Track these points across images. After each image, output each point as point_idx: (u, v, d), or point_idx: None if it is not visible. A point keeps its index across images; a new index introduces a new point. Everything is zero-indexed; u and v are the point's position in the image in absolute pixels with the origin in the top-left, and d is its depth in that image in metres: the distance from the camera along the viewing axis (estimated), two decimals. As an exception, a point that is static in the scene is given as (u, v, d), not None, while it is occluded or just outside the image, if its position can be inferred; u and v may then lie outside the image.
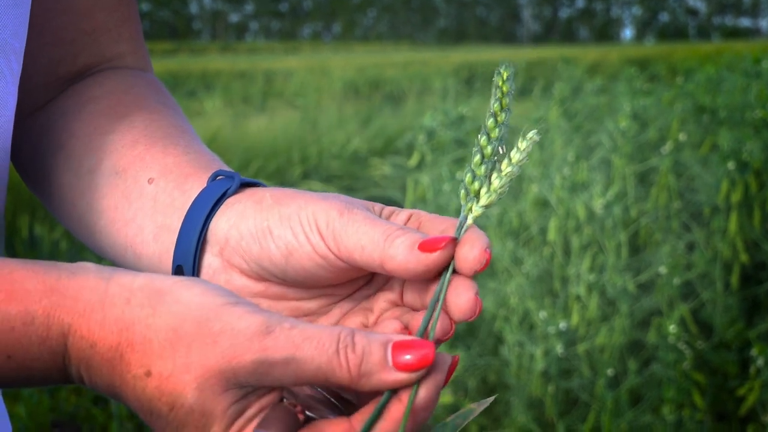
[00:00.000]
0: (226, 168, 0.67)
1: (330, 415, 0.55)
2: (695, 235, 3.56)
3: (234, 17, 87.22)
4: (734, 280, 3.39)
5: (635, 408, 2.84)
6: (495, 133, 0.57)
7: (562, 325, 2.82)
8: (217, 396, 0.50)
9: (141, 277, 0.54)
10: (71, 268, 0.54)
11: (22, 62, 0.68)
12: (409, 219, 0.60)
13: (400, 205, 2.33)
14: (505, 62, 0.58)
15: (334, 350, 0.50)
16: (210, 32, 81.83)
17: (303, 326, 0.51)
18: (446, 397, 2.77)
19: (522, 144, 0.57)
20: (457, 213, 0.61)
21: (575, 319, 3.07)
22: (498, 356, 3.09)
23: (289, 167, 6.74)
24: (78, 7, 0.75)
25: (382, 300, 0.61)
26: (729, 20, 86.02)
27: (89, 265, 0.55)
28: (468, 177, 0.57)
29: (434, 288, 0.58)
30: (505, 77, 0.58)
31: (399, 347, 0.51)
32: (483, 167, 0.57)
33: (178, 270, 0.63)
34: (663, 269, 3.18)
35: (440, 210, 3.44)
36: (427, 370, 0.51)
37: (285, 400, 0.52)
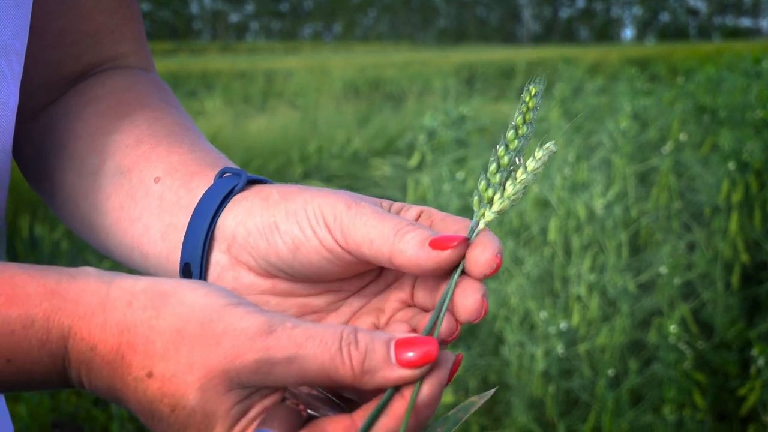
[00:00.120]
0: (232, 165, 0.66)
1: (332, 414, 0.55)
2: (696, 235, 3.56)
3: (234, 17, 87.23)
4: (735, 280, 3.39)
5: (636, 408, 2.84)
6: (514, 145, 0.58)
7: (563, 325, 2.82)
8: (219, 396, 0.50)
9: (143, 280, 0.54)
10: (72, 272, 0.54)
11: (23, 63, 0.68)
12: (419, 216, 0.60)
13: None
14: (536, 78, 0.59)
15: (336, 348, 0.50)
16: (210, 32, 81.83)
17: (305, 325, 0.51)
18: (447, 397, 2.77)
19: (538, 153, 0.57)
20: (458, 213, 0.61)
21: (576, 319, 3.07)
22: (499, 356, 3.09)
23: (289, 167, 6.74)
24: (79, 9, 0.75)
25: (394, 300, 0.61)
26: (729, 20, 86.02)
27: (90, 270, 0.55)
28: (482, 184, 0.58)
29: (444, 285, 0.58)
30: (533, 93, 0.58)
31: (402, 344, 0.51)
32: (498, 175, 0.58)
33: (185, 268, 0.63)
34: (664, 269, 3.18)
35: (441, 210, 3.43)
36: (430, 367, 0.51)
37: (287, 400, 0.52)
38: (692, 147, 4.19)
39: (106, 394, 0.53)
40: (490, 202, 0.58)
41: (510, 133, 0.58)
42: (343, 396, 0.57)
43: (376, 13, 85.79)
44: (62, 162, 0.73)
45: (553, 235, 3.36)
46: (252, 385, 0.51)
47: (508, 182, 0.57)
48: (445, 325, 0.56)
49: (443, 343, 0.57)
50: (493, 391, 0.59)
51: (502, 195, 0.57)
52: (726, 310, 3.31)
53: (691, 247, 3.65)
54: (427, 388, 0.51)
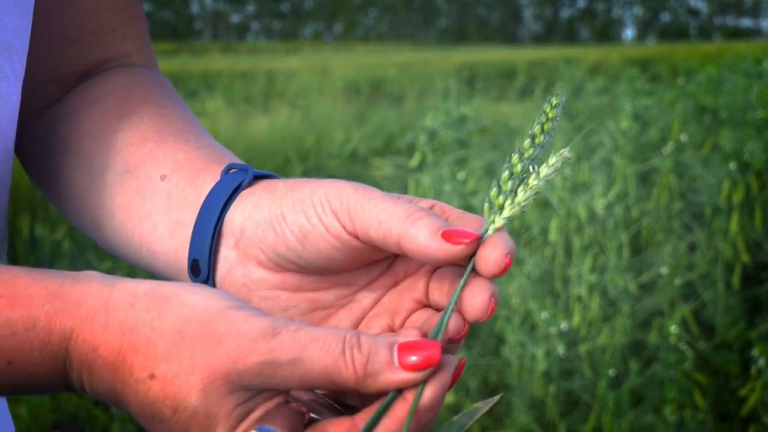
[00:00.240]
0: (239, 161, 0.66)
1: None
2: (697, 236, 3.56)
3: (235, 17, 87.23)
4: (735, 280, 3.39)
5: (637, 408, 2.84)
6: (528, 153, 0.58)
7: (564, 325, 2.82)
8: (222, 398, 0.50)
9: (145, 283, 0.54)
10: (75, 275, 0.54)
11: (25, 63, 0.68)
12: (431, 208, 0.60)
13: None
14: (560, 91, 0.59)
15: (340, 350, 0.50)
16: (211, 32, 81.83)
17: (309, 328, 0.51)
18: (448, 398, 2.77)
19: (552, 160, 0.57)
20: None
21: (576, 319, 3.07)
22: (499, 356, 3.09)
23: (288, 166, 6.74)
24: (81, 7, 0.75)
25: (408, 300, 0.61)
26: (730, 20, 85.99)
27: (93, 273, 0.55)
28: (494, 191, 0.58)
29: (455, 284, 0.58)
30: (554, 104, 0.59)
31: (405, 348, 0.51)
32: (510, 183, 0.58)
33: (194, 264, 0.63)
34: (664, 269, 3.18)
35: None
36: (432, 370, 0.51)
37: (290, 403, 0.52)
38: (693, 147, 4.19)
39: (107, 397, 0.53)
40: (501, 208, 0.57)
41: (526, 142, 0.58)
42: (346, 403, 0.57)
43: (377, 13, 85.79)
44: (67, 161, 0.73)
45: (553, 235, 3.36)
46: (255, 388, 0.50)
47: (520, 188, 0.57)
48: (452, 324, 0.56)
49: (452, 342, 0.57)
50: (497, 397, 0.59)
51: (513, 201, 0.57)
52: (727, 310, 3.31)
53: (692, 247, 3.65)
54: (429, 392, 0.51)
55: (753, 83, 5.04)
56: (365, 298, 0.62)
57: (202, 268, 0.62)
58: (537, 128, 0.58)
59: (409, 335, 0.56)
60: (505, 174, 0.58)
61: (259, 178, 0.64)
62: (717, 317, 3.29)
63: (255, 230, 0.60)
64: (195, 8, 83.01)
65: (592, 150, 4.19)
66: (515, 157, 0.58)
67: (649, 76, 7.70)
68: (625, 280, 3.04)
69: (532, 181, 0.57)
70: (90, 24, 0.75)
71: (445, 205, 0.60)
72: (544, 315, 2.87)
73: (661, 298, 3.16)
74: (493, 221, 0.57)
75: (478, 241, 0.55)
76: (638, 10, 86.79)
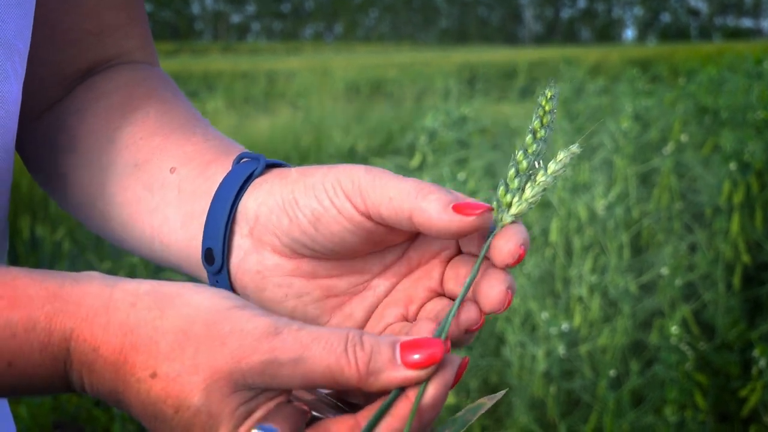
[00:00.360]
0: (247, 152, 0.67)
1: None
2: (697, 236, 3.56)
3: (236, 18, 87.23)
4: (736, 281, 3.39)
5: (637, 409, 2.84)
6: (532, 149, 0.58)
7: (564, 326, 2.82)
8: (225, 397, 0.50)
9: (146, 283, 0.54)
10: (75, 276, 0.54)
11: (26, 63, 0.68)
12: None
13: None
14: (551, 82, 0.59)
15: (342, 349, 0.50)
16: (212, 33, 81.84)
17: (311, 327, 0.51)
18: (448, 398, 2.77)
19: (560, 156, 0.57)
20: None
21: (577, 320, 3.07)
22: (500, 357, 3.09)
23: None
24: (82, 10, 0.74)
25: (422, 288, 0.61)
26: (731, 21, 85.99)
27: (94, 274, 0.55)
28: (501, 190, 0.58)
29: (467, 275, 0.58)
30: (549, 96, 0.59)
31: (407, 346, 0.51)
32: (517, 180, 0.58)
33: (207, 253, 0.63)
34: (665, 270, 3.18)
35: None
36: (435, 369, 0.51)
37: (293, 402, 0.52)
38: (693, 148, 4.19)
39: (108, 397, 0.53)
40: (509, 206, 0.57)
41: (528, 137, 0.58)
42: (349, 402, 0.57)
43: (377, 14, 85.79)
44: (73, 159, 0.73)
45: (554, 235, 3.36)
46: (257, 387, 0.50)
47: (528, 185, 0.57)
48: (469, 315, 0.57)
49: (468, 333, 0.57)
50: (502, 393, 0.59)
51: (521, 198, 0.57)
52: (727, 311, 3.30)
53: (693, 248, 3.65)
54: (431, 390, 0.51)
55: (753, 84, 5.04)
56: (379, 286, 0.62)
57: (216, 256, 0.62)
58: (536, 123, 0.58)
59: (425, 327, 0.57)
60: (512, 172, 0.58)
61: (270, 167, 0.64)
62: (718, 318, 3.29)
63: (269, 216, 0.60)
64: (195, 8, 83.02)
65: (592, 150, 4.19)
66: (520, 154, 0.58)
67: (649, 77, 7.69)
68: (625, 280, 3.04)
69: (540, 177, 0.57)
70: (91, 25, 0.75)
71: (456, 193, 0.60)
72: (545, 315, 2.87)
73: (662, 298, 3.16)
74: (501, 219, 0.57)
75: (490, 212, 0.55)
76: (639, 11, 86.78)
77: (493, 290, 0.56)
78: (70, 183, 0.73)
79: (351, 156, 7.17)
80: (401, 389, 0.51)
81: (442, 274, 0.61)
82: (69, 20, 0.74)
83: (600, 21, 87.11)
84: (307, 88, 12.28)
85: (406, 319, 0.61)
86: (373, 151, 7.27)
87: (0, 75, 0.64)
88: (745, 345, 3.23)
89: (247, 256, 0.62)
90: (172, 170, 0.67)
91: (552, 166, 0.57)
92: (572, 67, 7.39)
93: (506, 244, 0.56)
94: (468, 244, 0.60)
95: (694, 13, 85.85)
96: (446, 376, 0.51)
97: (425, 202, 0.55)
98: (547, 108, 0.59)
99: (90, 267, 3.76)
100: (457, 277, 0.60)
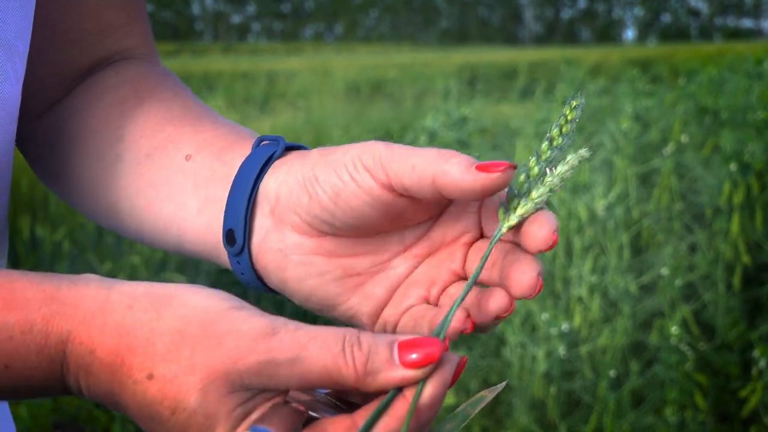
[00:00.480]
0: (266, 135, 0.67)
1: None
2: (697, 237, 3.56)
3: (236, 18, 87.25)
4: (736, 281, 3.39)
5: (637, 409, 2.84)
6: (546, 155, 0.58)
7: (565, 326, 2.82)
8: (221, 398, 0.50)
9: (143, 285, 0.54)
10: (72, 278, 0.54)
11: (26, 64, 0.68)
12: None
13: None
14: (578, 94, 0.59)
15: (339, 349, 0.50)
16: (212, 33, 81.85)
17: (308, 327, 0.51)
18: (449, 399, 2.77)
19: (569, 158, 0.57)
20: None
21: (577, 320, 3.07)
22: (500, 357, 3.09)
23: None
24: (82, 10, 0.74)
25: (445, 271, 0.61)
26: (731, 21, 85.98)
27: (91, 276, 0.55)
28: (509, 195, 0.58)
29: (500, 261, 0.58)
30: (573, 106, 0.58)
31: (405, 346, 0.51)
32: (526, 185, 0.57)
33: (228, 234, 0.63)
34: (665, 270, 3.18)
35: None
36: (433, 368, 0.51)
37: (290, 403, 0.52)
38: (694, 148, 4.19)
39: (105, 399, 0.53)
40: (515, 208, 0.57)
41: (544, 144, 0.58)
42: (348, 401, 0.56)
43: (377, 14, 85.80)
44: (81, 154, 0.72)
45: (554, 236, 3.35)
46: (254, 388, 0.50)
47: (534, 188, 0.57)
48: (499, 302, 0.57)
49: (498, 320, 0.57)
50: (502, 385, 0.58)
51: (527, 199, 0.57)
52: (727, 311, 3.30)
53: (693, 248, 3.65)
54: (429, 389, 0.51)
55: (754, 84, 5.04)
56: (400, 266, 0.62)
57: (237, 237, 0.62)
58: (555, 131, 0.58)
59: (457, 316, 0.57)
60: (522, 177, 0.58)
61: (290, 149, 0.64)
62: (718, 318, 3.29)
63: (289, 195, 0.60)
64: (196, 9, 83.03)
65: (592, 151, 4.19)
66: (533, 161, 0.58)
67: (649, 77, 7.69)
68: (625, 281, 3.04)
69: (548, 178, 0.57)
70: (91, 25, 0.75)
71: None
72: (545, 316, 2.87)
73: (662, 299, 3.16)
74: (508, 219, 0.57)
75: (513, 168, 0.55)
76: (639, 11, 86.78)
77: (524, 276, 0.56)
78: (77, 180, 0.73)
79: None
80: (399, 389, 0.51)
81: (465, 256, 0.61)
82: (69, 21, 0.74)
83: (600, 21, 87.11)
84: (307, 89, 12.28)
85: (427, 301, 0.61)
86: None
87: (0, 76, 0.64)
88: (745, 345, 3.23)
89: (268, 235, 0.62)
90: (188, 157, 0.67)
91: (560, 168, 0.57)
92: (572, 67, 7.38)
93: (540, 230, 0.56)
94: (491, 226, 0.60)
95: (695, 13, 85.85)
96: (444, 375, 0.51)
97: (448, 165, 0.55)
98: (569, 117, 0.58)
99: (90, 267, 3.76)
100: (473, 258, 0.60)
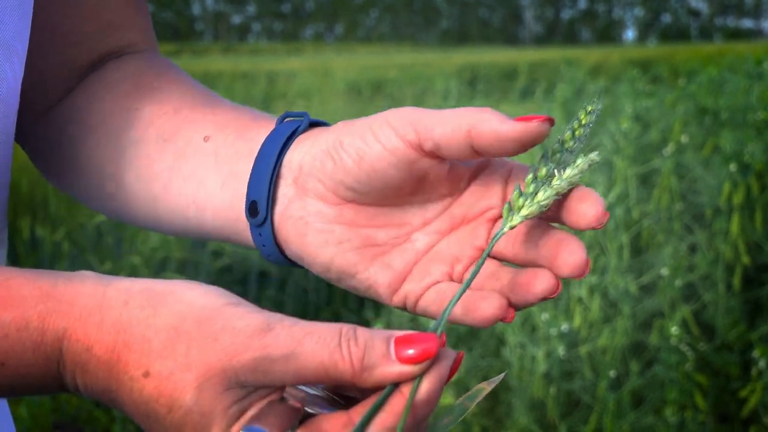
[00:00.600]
0: (291, 111, 0.67)
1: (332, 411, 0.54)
2: (697, 237, 3.56)
3: (236, 18, 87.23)
4: (736, 281, 3.39)
5: (637, 410, 2.84)
6: (556, 158, 0.57)
7: (564, 326, 2.82)
8: (218, 395, 0.50)
9: (140, 281, 0.54)
10: (68, 275, 0.54)
11: (24, 65, 0.68)
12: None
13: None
14: (596, 97, 0.58)
15: (336, 344, 0.50)
16: (212, 33, 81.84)
17: (305, 323, 0.51)
18: (447, 399, 2.77)
19: (579, 161, 0.56)
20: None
21: (577, 320, 3.07)
22: (500, 358, 3.09)
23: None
24: (82, 12, 0.74)
25: (469, 247, 0.61)
26: (731, 21, 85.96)
27: (87, 273, 0.55)
28: (515, 194, 0.57)
29: (540, 240, 0.57)
30: (589, 110, 0.58)
31: (402, 341, 0.51)
32: (533, 186, 0.57)
33: (252, 206, 0.63)
34: (665, 271, 3.18)
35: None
36: (430, 363, 0.50)
37: (287, 400, 0.52)
38: (694, 149, 4.19)
39: (102, 396, 0.53)
40: (520, 208, 0.57)
41: (555, 146, 0.58)
42: (347, 396, 0.56)
43: (377, 14, 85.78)
44: (92, 145, 0.72)
45: (554, 236, 3.35)
46: (250, 384, 0.50)
47: (541, 189, 0.57)
48: (546, 284, 0.56)
49: (544, 300, 0.57)
50: (501, 376, 0.58)
51: (532, 201, 0.56)
52: (727, 311, 3.30)
53: (693, 248, 3.65)
54: (426, 384, 0.51)
55: (754, 84, 5.04)
56: (419, 241, 0.61)
57: (260, 209, 0.62)
58: (568, 134, 0.57)
59: (494, 303, 0.56)
60: (529, 177, 0.57)
61: (314, 126, 0.64)
62: (717, 318, 3.29)
63: (313, 162, 0.60)
64: (196, 9, 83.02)
65: (592, 151, 4.19)
66: (541, 162, 0.57)
67: (650, 77, 7.69)
68: (625, 281, 3.04)
69: (555, 181, 0.56)
70: (91, 26, 0.75)
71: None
72: (545, 316, 2.87)
73: (662, 299, 3.16)
74: (511, 219, 0.57)
75: (550, 123, 0.55)
76: (639, 11, 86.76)
77: (573, 256, 0.56)
78: (86, 170, 0.73)
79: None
80: (396, 384, 0.51)
81: (489, 233, 0.60)
82: (69, 23, 0.74)
83: (600, 22, 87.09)
84: (307, 89, 12.28)
85: (451, 278, 0.60)
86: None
87: (-1, 76, 0.64)
88: (745, 346, 3.23)
89: (290, 204, 0.62)
90: (206, 138, 0.67)
91: (569, 172, 0.56)
92: (573, 67, 7.39)
93: (591, 208, 0.56)
94: None
95: (695, 13, 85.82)
96: (441, 371, 0.51)
97: (485, 114, 0.55)
98: (584, 121, 0.58)
99: (90, 268, 3.76)
100: (504, 237, 0.59)
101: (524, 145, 0.55)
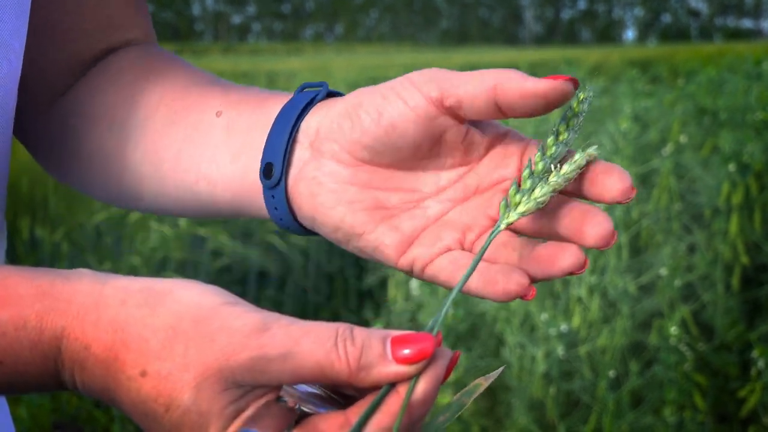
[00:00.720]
0: (310, 82, 0.67)
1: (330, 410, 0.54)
2: (696, 237, 3.56)
3: (236, 18, 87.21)
4: (735, 281, 3.39)
5: (636, 410, 2.84)
6: (551, 151, 0.57)
7: (564, 326, 2.82)
8: (215, 395, 0.50)
9: (138, 280, 0.54)
10: (66, 274, 0.54)
11: (21, 62, 0.68)
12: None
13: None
14: (587, 84, 0.58)
15: (332, 344, 0.50)
16: (212, 33, 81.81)
17: (302, 323, 0.51)
18: (446, 398, 2.77)
19: (576, 157, 0.56)
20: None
21: (576, 320, 3.07)
22: (499, 358, 3.09)
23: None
24: (82, 11, 0.75)
25: (482, 216, 0.61)
26: (731, 21, 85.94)
27: (85, 271, 0.55)
28: (512, 190, 0.57)
29: (562, 214, 0.57)
30: (581, 98, 0.57)
31: (398, 341, 0.51)
32: (530, 182, 0.56)
33: (267, 168, 0.63)
34: (664, 271, 3.18)
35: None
36: (426, 363, 0.51)
37: (285, 400, 0.52)
38: (693, 149, 4.19)
39: (100, 395, 0.53)
40: (517, 205, 0.56)
41: (549, 139, 0.57)
42: (345, 394, 0.56)
43: (377, 14, 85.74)
44: (99, 132, 0.72)
45: (553, 236, 3.35)
46: (247, 384, 0.50)
47: (538, 185, 0.56)
48: (572, 259, 0.56)
49: (572, 274, 0.56)
50: (499, 371, 0.57)
51: (529, 197, 0.56)
52: (726, 311, 3.31)
53: (692, 248, 3.65)
54: (422, 384, 0.51)
55: (753, 84, 5.04)
56: (431, 208, 0.61)
57: (275, 171, 0.62)
58: (562, 125, 0.57)
59: (516, 278, 0.56)
60: (526, 172, 0.57)
61: (332, 96, 0.65)
62: (716, 319, 3.29)
63: (330, 126, 0.61)
64: (196, 9, 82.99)
65: (600, 150, 4.18)
66: (537, 155, 0.57)
67: (649, 77, 7.69)
68: (624, 281, 3.04)
69: (552, 177, 0.56)
70: (91, 24, 0.75)
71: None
72: (544, 316, 2.87)
73: (661, 299, 3.16)
74: (507, 216, 0.57)
75: (575, 83, 0.55)
76: (639, 11, 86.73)
77: (600, 227, 0.55)
78: (90, 158, 0.73)
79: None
80: (392, 385, 0.51)
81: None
82: (69, 21, 0.74)
83: (600, 22, 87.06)
84: (307, 89, 12.26)
85: (462, 246, 0.60)
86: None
87: (-3, 74, 0.64)
88: (744, 346, 3.23)
89: (305, 165, 0.62)
90: (219, 114, 0.67)
91: (566, 168, 0.56)
92: (572, 67, 7.38)
93: (618, 182, 0.56)
94: None
95: (695, 13, 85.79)
96: (437, 370, 0.51)
97: (511, 73, 0.55)
98: (576, 110, 0.57)
99: (89, 268, 3.75)
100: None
101: (549, 104, 0.55)
